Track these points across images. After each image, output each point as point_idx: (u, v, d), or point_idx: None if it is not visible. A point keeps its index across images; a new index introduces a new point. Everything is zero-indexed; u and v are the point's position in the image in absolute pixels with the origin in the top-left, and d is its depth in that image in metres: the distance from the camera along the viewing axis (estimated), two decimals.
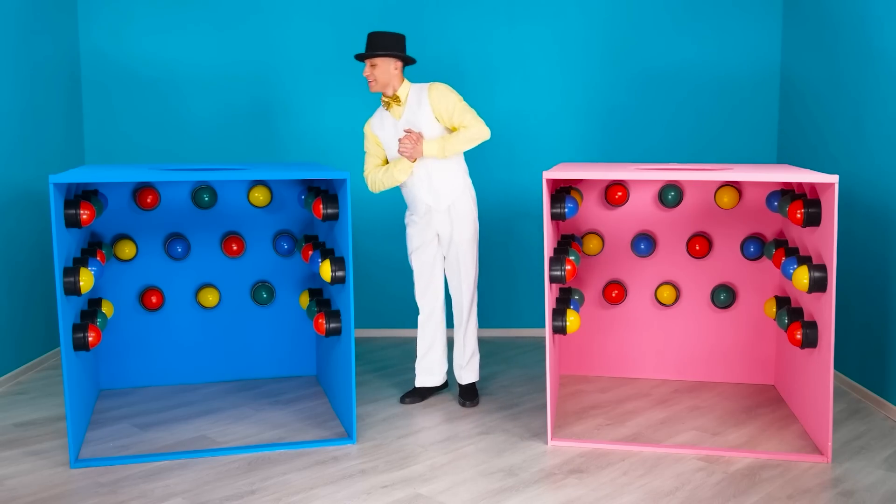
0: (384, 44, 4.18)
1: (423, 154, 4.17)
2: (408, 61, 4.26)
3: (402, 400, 4.52)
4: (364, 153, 4.45)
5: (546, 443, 3.91)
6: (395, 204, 5.70)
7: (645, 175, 3.81)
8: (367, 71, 4.21)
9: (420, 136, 4.16)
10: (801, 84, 5.43)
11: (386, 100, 4.27)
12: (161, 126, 5.78)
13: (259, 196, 4.68)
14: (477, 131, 4.15)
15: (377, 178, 4.32)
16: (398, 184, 4.30)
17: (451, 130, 4.23)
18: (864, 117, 4.59)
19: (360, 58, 4.22)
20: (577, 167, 4.26)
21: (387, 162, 4.40)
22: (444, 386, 4.71)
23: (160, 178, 3.61)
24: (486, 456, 3.78)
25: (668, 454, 3.79)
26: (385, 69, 4.20)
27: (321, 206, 4.02)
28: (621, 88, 5.82)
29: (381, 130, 4.32)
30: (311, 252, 4.34)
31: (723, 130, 5.83)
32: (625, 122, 5.84)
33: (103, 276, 4.57)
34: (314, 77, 5.81)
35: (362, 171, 4.45)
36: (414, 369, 4.97)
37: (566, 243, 4.42)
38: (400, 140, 4.17)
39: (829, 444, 3.68)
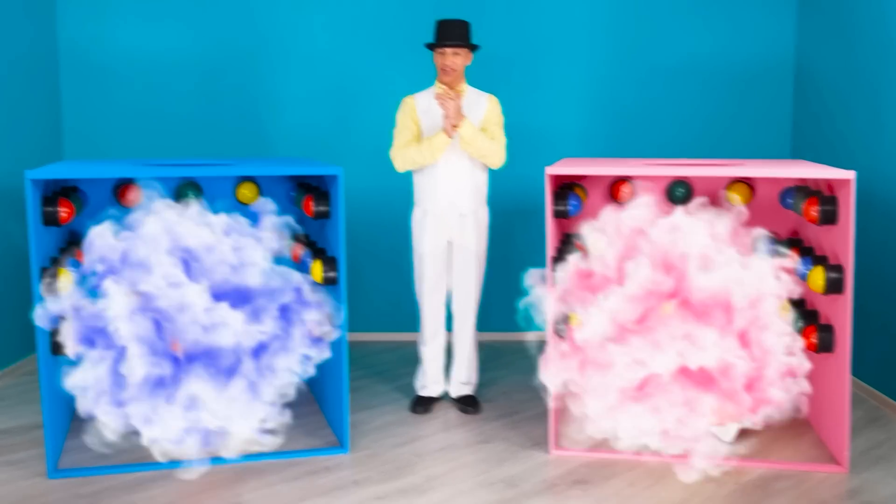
0: (467, 36, 4.25)
1: (462, 125, 4.14)
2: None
3: (416, 410, 4.43)
4: (393, 126, 4.40)
5: (548, 452, 3.88)
6: (389, 201, 5.72)
7: (652, 171, 3.80)
8: (449, 59, 4.22)
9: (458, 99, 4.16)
10: (817, 75, 5.41)
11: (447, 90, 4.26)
12: (143, 120, 5.74)
13: (247, 193, 4.60)
14: (498, 150, 4.28)
15: (410, 154, 4.24)
16: (434, 160, 4.23)
17: None
18: (883, 110, 4.57)
19: (443, 45, 4.20)
20: (581, 163, 4.27)
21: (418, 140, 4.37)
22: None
23: (143, 174, 3.65)
24: (485, 466, 3.75)
25: (677, 464, 3.70)
26: (465, 61, 4.29)
27: (312, 204, 4.00)
28: (628, 80, 5.78)
29: (426, 115, 4.32)
30: (301, 252, 4.26)
31: (734, 124, 5.80)
32: (631, 116, 5.81)
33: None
34: (304, 68, 5.76)
35: (388, 149, 4.44)
36: (412, 375, 4.90)
37: (569, 242, 4.31)
38: (439, 95, 4.12)
39: (847, 453, 3.65)
